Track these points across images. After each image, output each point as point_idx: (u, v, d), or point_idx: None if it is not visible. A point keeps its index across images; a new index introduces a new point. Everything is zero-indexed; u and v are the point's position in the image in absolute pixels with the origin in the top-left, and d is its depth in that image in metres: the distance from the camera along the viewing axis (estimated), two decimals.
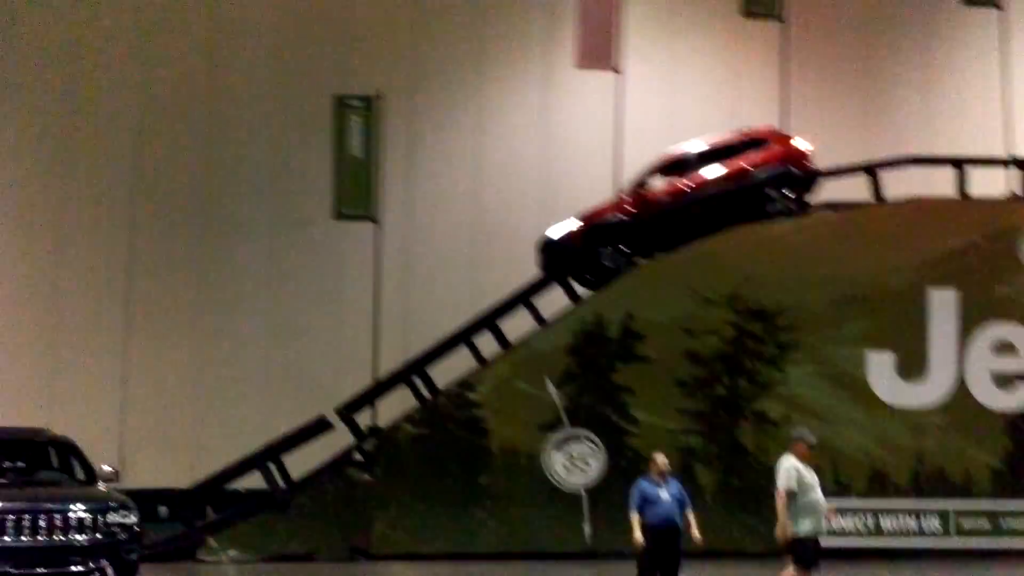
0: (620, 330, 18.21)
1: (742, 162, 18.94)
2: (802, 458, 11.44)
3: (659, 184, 19.05)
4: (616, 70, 21.11)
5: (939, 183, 19.95)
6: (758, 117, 22.42)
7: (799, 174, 19.02)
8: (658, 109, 23.62)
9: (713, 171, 18.90)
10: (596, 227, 18.84)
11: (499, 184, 23.85)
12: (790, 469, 11.33)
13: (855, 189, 19.75)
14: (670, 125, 23.01)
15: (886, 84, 24.98)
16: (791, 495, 11.22)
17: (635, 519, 12.00)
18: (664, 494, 12.10)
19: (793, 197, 18.89)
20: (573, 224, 19.10)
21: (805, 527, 11.30)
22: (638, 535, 11.93)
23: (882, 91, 24.92)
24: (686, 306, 18.26)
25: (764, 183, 18.76)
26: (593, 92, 22.83)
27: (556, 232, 19.22)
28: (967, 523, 17.53)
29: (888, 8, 25.14)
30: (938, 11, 24.84)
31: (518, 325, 19.14)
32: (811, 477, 11.37)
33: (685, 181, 18.87)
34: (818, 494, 11.39)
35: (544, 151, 24.10)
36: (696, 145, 19.35)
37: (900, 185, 19.49)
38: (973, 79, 24.55)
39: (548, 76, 24.24)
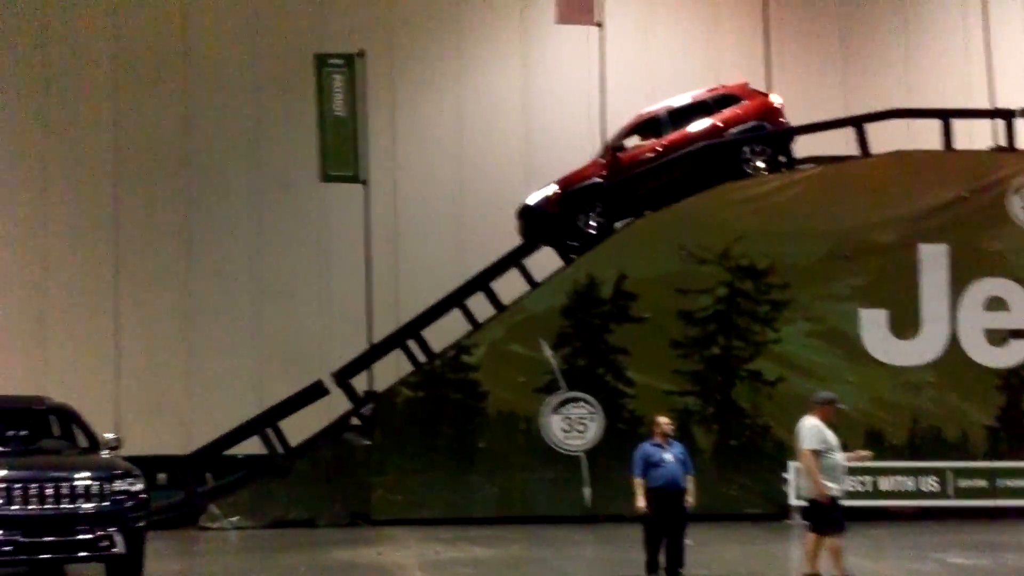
0: (613, 290, 18.17)
1: (715, 120, 18.84)
2: (825, 420, 11.46)
3: (633, 145, 18.95)
4: (598, 24, 20.87)
5: (922, 138, 19.98)
6: (740, 72, 22.28)
7: (773, 130, 18.98)
8: (639, 64, 23.50)
9: (686, 130, 18.80)
10: (573, 191, 18.73)
11: (482, 140, 23.68)
12: (813, 428, 11.32)
13: (840, 144, 19.73)
14: (651, 80, 22.95)
15: (868, 39, 24.96)
16: (816, 454, 11.20)
17: (639, 483, 12.02)
18: (668, 456, 12.12)
19: (768, 153, 18.81)
20: (550, 190, 18.95)
21: (833, 487, 11.31)
22: (641, 500, 11.95)
23: (864, 46, 24.91)
24: (678, 265, 18.23)
25: (738, 140, 18.70)
26: (574, 47, 22.68)
27: (533, 198, 19.06)
28: (964, 483, 17.55)
29: None
30: None
31: (512, 286, 19.06)
32: (833, 438, 11.38)
33: (658, 141, 18.76)
34: (839, 456, 11.43)
35: (525, 105, 23.94)
36: (668, 104, 19.21)
37: (884, 141, 19.48)
38: (954, 30, 24.55)
39: (528, 30, 24.04)
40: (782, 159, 19.19)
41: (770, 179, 19.00)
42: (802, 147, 19.53)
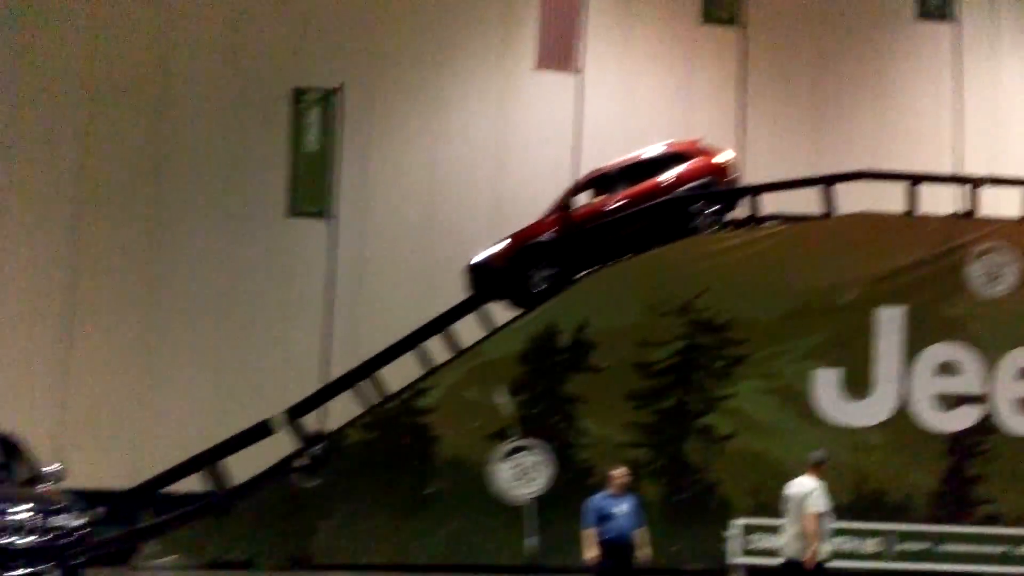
0: (572, 339, 18.23)
1: (666, 177, 19.06)
2: (820, 479, 11.60)
3: (584, 202, 19.15)
4: (576, 72, 21.08)
5: (885, 199, 20.13)
6: (714, 125, 22.65)
7: (721, 188, 19.18)
8: (616, 113, 23.74)
9: (635, 188, 19.01)
10: (525, 248, 18.90)
11: (455, 183, 23.84)
12: (819, 489, 11.46)
13: (810, 203, 19.92)
14: (627, 129, 23.19)
15: (839, 96, 25.25)
16: (818, 517, 11.32)
17: (590, 534, 12.13)
18: (620, 509, 12.25)
19: (715, 212, 19.01)
20: (501, 246, 19.14)
21: (825, 550, 11.42)
22: (592, 551, 12.05)
23: (835, 103, 25.19)
24: (638, 317, 18.29)
25: (686, 198, 18.91)
26: (551, 94, 22.85)
27: (483, 255, 19.22)
28: (905, 546, 17.55)
29: (843, 20, 25.37)
30: (892, 24, 25.11)
31: (471, 329, 19.16)
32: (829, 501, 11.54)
33: (610, 198, 18.98)
34: (831, 518, 11.59)
35: (500, 149, 24.12)
36: (619, 162, 19.44)
37: (852, 202, 19.65)
38: (924, 94, 24.88)
39: (507, 75, 24.23)
40: (741, 216, 19.39)
41: (734, 235, 19.19)
42: (773, 204, 19.68)
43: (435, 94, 24.07)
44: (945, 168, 21.70)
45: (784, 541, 11.55)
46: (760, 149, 22.62)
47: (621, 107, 24.10)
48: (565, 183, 20.45)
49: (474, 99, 24.27)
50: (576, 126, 20.71)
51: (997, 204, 19.81)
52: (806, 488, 11.47)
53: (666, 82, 24.85)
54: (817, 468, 11.66)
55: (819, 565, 11.40)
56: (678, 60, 24.91)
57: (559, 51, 21.10)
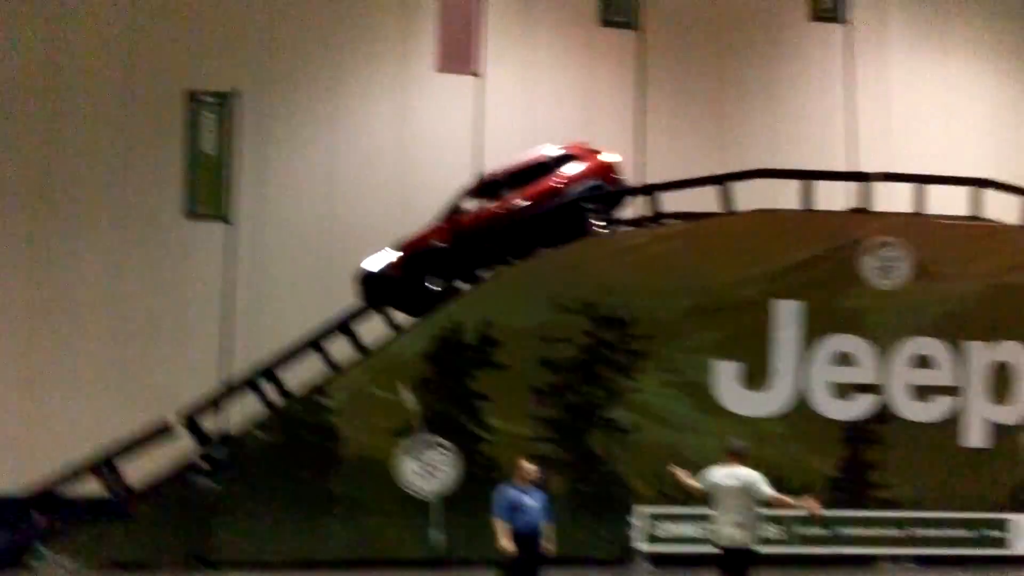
0: (477, 337, 18.28)
1: (553, 180, 19.23)
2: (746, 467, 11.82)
3: (473, 207, 19.29)
4: (476, 74, 21.13)
5: (782, 198, 20.52)
6: (614, 126, 22.89)
7: (608, 189, 19.44)
8: (517, 115, 23.89)
9: (521, 192, 19.21)
10: (415, 255, 18.97)
11: (354, 185, 23.77)
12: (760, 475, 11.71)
13: (710, 202, 20.22)
14: (529, 131, 23.30)
15: (736, 97, 25.70)
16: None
17: (502, 525, 12.12)
18: (529, 501, 12.29)
19: (603, 212, 19.25)
20: (391, 255, 19.17)
21: (757, 536, 11.69)
22: (507, 542, 12.04)
23: (733, 104, 25.64)
24: (543, 313, 18.42)
25: (573, 200, 19.12)
26: (451, 95, 22.88)
27: (374, 264, 19.23)
28: (805, 531, 17.90)
29: (739, 23, 25.86)
30: (786, 26, 25.65)
31: (375, 328, 19.07)
32: None
33: (496, 203, 19.15)
34: None
35: (400, 152, 24.10)
36: (506, 166, 19.62)
37: (748, 199, 20.01)
38: (819, 95, 25.45)
39: (405, 76, 24.24)
40: (643, 215, 19.72)
41: (638, 233, 19.49)
42: (675, 203, 19.94)
43: (334, 97, 23.98)
44: (838, 166, 22.17)
45: (723, 531, 11.63)
46: (660, 150, 22.90)
47: (522, 109, 24.26)
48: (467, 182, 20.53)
49: (373, 102, 24.22)
50: (477, 128, 20.75)
51: (891, 201, 20.32)
52: (752, 476, 11.63)
53: (567, 84, 25.09)
54: (739, 457, 11.80)
55: (750, 551, 11.54)
56: (578, 62, 25.18)
57: (459, 53, 21.08)
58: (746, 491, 11.55)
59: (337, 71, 24.05)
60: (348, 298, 19.46)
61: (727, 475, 11.71)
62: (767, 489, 11.57)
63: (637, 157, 21.49)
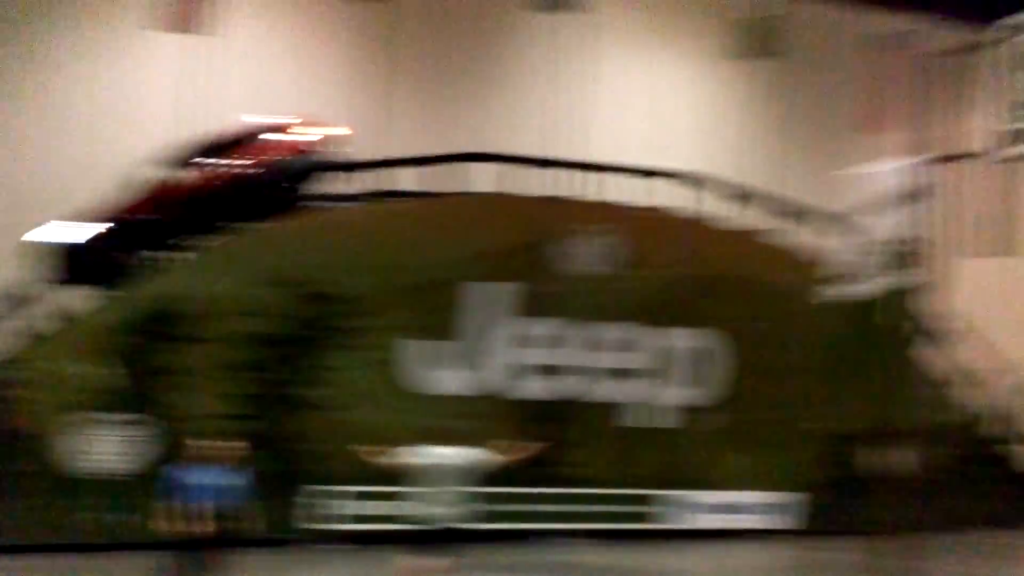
0: (177, 310, 17.88)
1: (258, 152, 19.20)
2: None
3: (184, 176, 18.97)
4: (201, 34, 20.59)
5: (523, 184, 20.95)
6: (359, 100, 22.57)
7: (311, 164, 19.51)
8: (246, 80, 23.20)
9: (227, 164, 19.09)
10: (123, 226, 18.47)
11: (47, 142, 22.53)
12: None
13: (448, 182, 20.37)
14: (259, 97, 22.68)
15: (471, 80, 25.94)
16: None
17: (174, 506, 11.85)
18: (208, 479, 12.02)
19: (296, 186, 19.34)
20: (95, 226, 18.53)
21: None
22: (177, 522, 11.79)
23: (468, 85, 25.85)
24: (249, 287, 18.24)
25: (278, 172, 19.12)
26: (167, 57, 22.15)
27: (76, 235, 18.50)
28: (502, 507, 18.16)
29: (472, 10, 26.03)
30: (507, 15, 26.02)
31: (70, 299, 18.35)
32: None
33: (207, 173, 18.92)
34: None
35: (104, 113, 23.00)
36: (217, 136, 19.40)
37: (484, 184, 20.32)
38: (542, 84, 25.90)
39: (117, 35, 23.18)
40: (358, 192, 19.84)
41: (347, 211, 19.64)
42: (411, 181, 20.16)
43: (28, 52, 22.67)
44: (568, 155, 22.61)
45: (437, 508, 11.84)
46: (404, 127, 22.98)
47: (257, 76, 23.63)
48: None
49: (79, 58, 23.05)
50: (202, 93, 20.24)
51: (621, 191, 21.06)
52: (472, 455, 11.90)
53: (307, 55, 24.66)
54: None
55: (449, 529, 11.82)
56: (318, 34, 24.76)
57: (183, 11, 20.55)
58: (447, 469, 11.87)
59: (44, 24, 22.80)
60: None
61: (445, 453, 11.98)
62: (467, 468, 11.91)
63: (380, 135, 21.47)
